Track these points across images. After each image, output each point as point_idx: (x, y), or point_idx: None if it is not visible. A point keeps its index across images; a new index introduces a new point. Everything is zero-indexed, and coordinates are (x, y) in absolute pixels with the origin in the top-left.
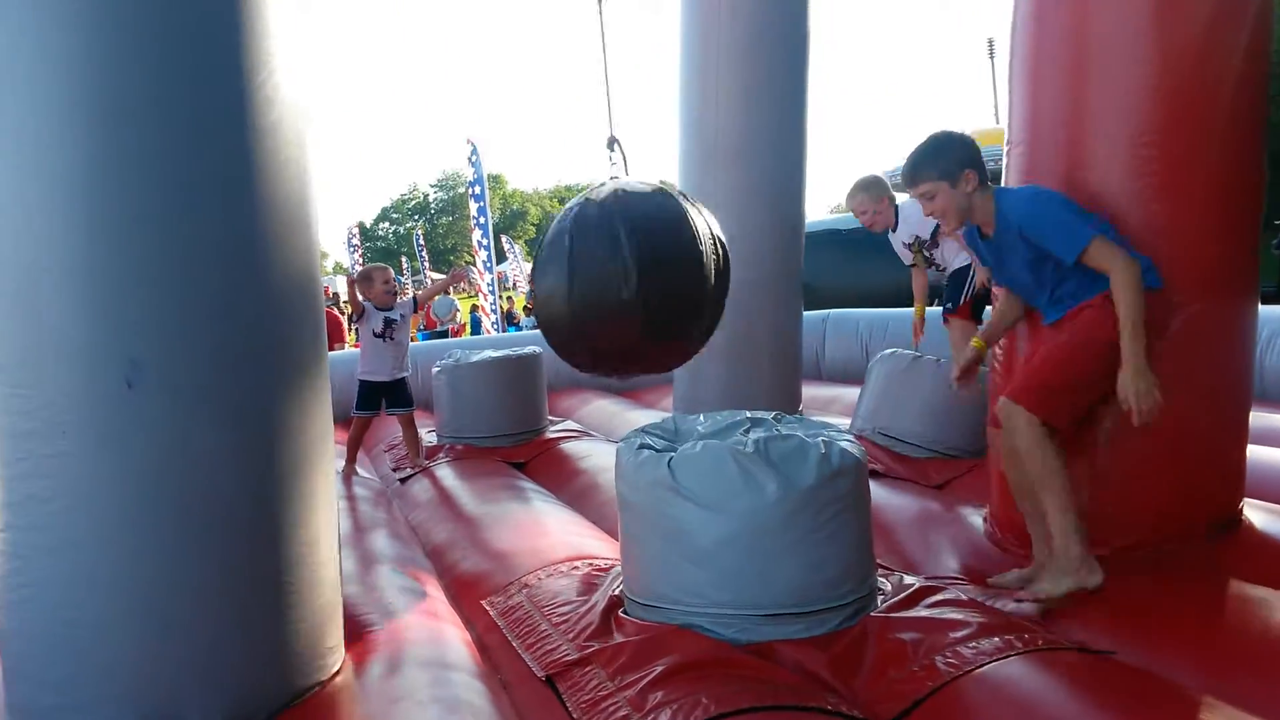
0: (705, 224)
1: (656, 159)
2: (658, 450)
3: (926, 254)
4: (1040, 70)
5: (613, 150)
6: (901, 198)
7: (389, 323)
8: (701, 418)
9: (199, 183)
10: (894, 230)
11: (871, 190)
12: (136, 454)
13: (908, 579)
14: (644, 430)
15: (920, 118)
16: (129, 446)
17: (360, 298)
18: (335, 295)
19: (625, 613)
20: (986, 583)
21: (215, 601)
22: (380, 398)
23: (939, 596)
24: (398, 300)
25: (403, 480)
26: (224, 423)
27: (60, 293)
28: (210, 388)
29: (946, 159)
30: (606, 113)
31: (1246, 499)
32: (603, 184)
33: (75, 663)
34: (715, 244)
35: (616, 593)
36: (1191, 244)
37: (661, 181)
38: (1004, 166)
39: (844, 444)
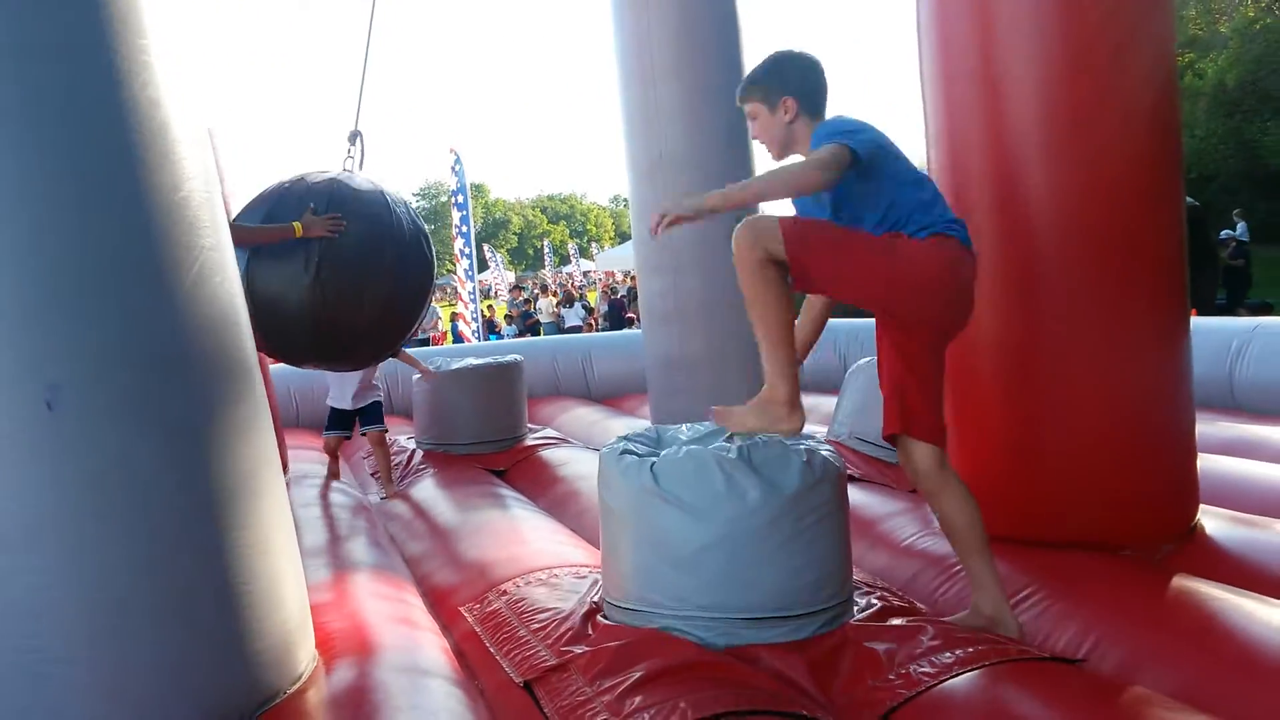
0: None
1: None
2: (640, 456)
3: None
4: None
5: (353, 144)
6: None
7: None
8: (684, 427)
9: (92, 190)
10: None
11: None
12: (68, 476)
13: (878, 599)
14: (626, 438)
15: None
16: (59, 469)
17: None
18: None
19: (604, 618)
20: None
21: (169, 616)
22: (351, 418)
23: (913, 614)
24: None
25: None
26: (153, 436)
27: None
28: (133, 402)
29: (771, 81)
30: (357, 108)
31: (1214, 507)
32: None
33: (33, 691)
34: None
35: (596, 599)
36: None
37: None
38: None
39: (825, 453)
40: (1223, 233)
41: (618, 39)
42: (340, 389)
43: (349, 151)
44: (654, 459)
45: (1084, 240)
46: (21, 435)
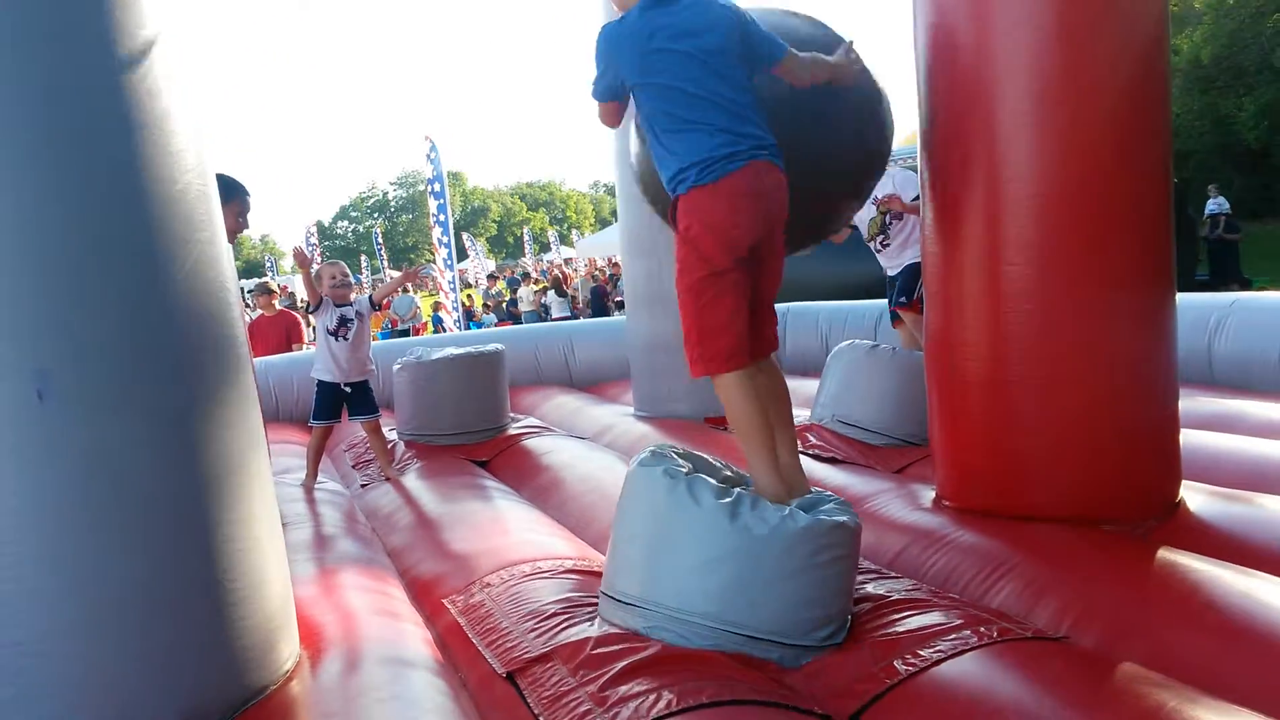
0: None
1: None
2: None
3: (886, 220)
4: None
5: None
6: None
7: (344, 320)
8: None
9: (89, 181)
10: None
11: None
12: (57, 467)
13: (872, 583)
14: (661, 452)
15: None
16: (48, 460)
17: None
18: (293, 295)
19: (600, 614)
20: None
21: (157, 608)
22: (339, 403)
23: (899, 596)
24: (353, 297)
25: (364, 485)
26: (143, 427)
27: None
28: (124, 393)
29: None
30: None
31: (1195, 482)
32: None
33: (19, 682)
34: None
35: (587, 595)
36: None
37: None
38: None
39: (845, 516)
40: (1209, 206)
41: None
42: (332, 360)
43: None
44: (688, 474)
45: (1069, 214)
46: (10, 426)
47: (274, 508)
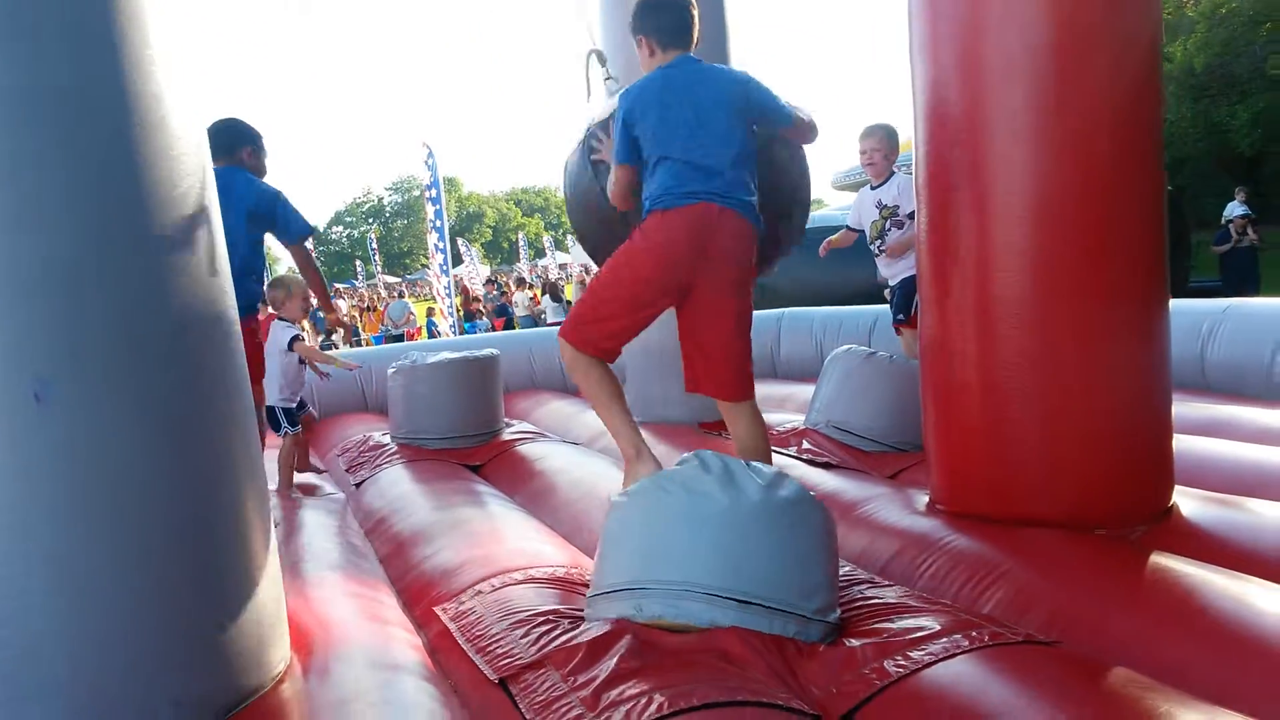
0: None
1: None
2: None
3: (885, 225)
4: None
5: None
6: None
7: (295, 339)
8: None
9: (90, 182)
10: (878, 185)
11: (890, 139)
12: (51, 467)
13: (864, 589)
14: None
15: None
16: (43, 460)
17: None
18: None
19: (588, 617)
20: None
21: (147, 609)
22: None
23: (891, 600)
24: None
25: (357, 485)
26: (139, 428)
27: None
28: (121, 395)
29: (632, 24)
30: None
31: (1188, 488)
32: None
33: (4, 684)
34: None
35: (577, 605)
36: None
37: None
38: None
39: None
40: (1229, 209)
41: (605, 31)
42: (297, 380)
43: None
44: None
45: (1062, 221)
46: (7, 427)
47: (268, 510)
